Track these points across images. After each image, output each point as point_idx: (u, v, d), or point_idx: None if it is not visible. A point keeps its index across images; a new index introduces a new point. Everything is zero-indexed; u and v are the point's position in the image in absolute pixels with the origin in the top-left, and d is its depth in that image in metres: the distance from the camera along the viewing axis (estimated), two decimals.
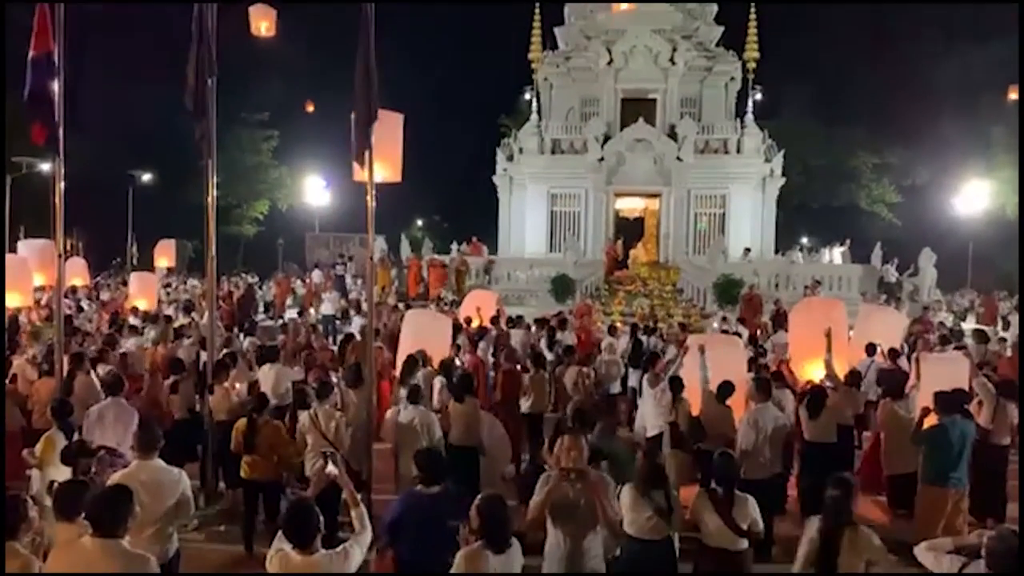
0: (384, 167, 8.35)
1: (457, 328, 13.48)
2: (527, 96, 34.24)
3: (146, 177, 42.73)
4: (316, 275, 26.40)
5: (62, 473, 5.72)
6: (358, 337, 12.83)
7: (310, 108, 40.62)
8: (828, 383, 9.08)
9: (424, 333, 11.40)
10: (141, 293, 14.21)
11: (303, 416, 7.54)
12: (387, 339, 13.26)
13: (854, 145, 45.02)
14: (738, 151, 29.10)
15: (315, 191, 46.86)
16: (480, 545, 4.37)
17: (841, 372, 9.31)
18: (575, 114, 30.95)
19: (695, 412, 8.56)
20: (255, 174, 48.07)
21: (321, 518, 4.15)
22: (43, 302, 16.62)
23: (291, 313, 22.72)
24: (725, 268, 24.08)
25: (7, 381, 9.43)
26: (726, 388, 8.52)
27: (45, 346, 10.62)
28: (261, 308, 24.04)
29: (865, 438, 10.77)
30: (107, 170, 39.12)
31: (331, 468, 4.81)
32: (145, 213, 40.98)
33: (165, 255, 17.47)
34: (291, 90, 45.77)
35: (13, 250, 20.07)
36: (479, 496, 4.61)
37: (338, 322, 20.66)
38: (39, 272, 14.83)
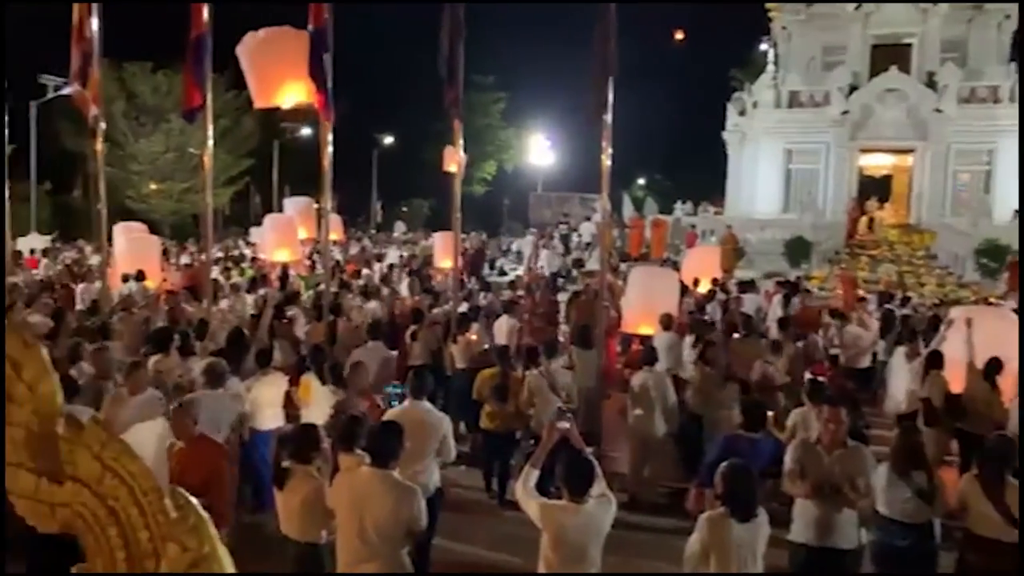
0: None
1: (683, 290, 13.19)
2: (763, 47, 32.36)
3: (388, 140, 45.88)
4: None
5: (317, 413, 6.33)
6: None
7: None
8: None
9: (651, 290, 11.23)
10: (445, 252, 14.80)
11: (531, 375, 7.76)
12: (612, 298, 13.31)
13: None
14: (1011, 100, 25.57)
15: (539, 151, 47.82)
16: (724, 511, 4.31)
17: None
18: (816, 64, 28.80)
19: (956, 389, 7.79)
20: (484, 135, 49.94)
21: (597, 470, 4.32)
22: (305, 253, 18.43)
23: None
24: (990, 232, 21.46)
25: (283, 320, 10.66)
26: (994, 366, 7.65)
27: (314, 295, 11.85)
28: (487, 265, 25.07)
29: None
30: (355, 133, 42.61)
31: (563, 423, 4.93)
32: (387, 173, 44.23)
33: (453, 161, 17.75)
34: (519, 51, 46.76)
35: (280, 208, 22.53)
36: (724, 462, 4.53)
37: (561, 280, 21.08)
38: (302, 227, 16.35)
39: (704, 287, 13.75)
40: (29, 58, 17.73)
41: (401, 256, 22.14)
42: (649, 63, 38.87)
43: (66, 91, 21.75)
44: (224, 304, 11.50)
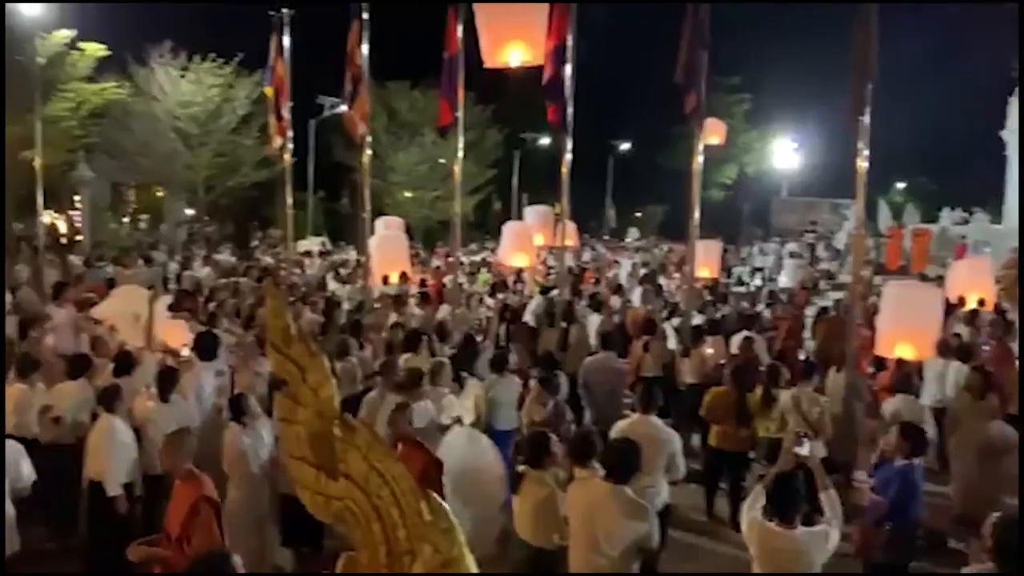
0: None
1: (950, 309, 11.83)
2: None
3: (624, 146, 46.03)
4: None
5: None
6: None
7: None
8: None
9: (908, 308, 10.16)
10: (705, 262, 13.49)
11: (785, 395, 7.38)
12: (865, 315, 12.28)
13: None
14: None
15: (784, 154, 45.46)
16: (994, 570, 3.83)
17: None
18: None
19: None
20: (725, 138, 48.35)
21: (803, 496, 4.12)
22: (540, 259, 18.98)
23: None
24: None
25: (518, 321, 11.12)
26: None
27: (545, 301, 12.20)
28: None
29: None
30: (590, 139, 43.29)
31: (801, 449, 4.69)
32: (622, 179, 44.45)
33: None
34: (765, 50, 44.75)
35: (519, 216, 23.42)
36: (995, 513, 4.01)
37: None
38: (539, 234, 16.78)
39: (971, 305, 12.26)
40: (310, 80, 20.13)
41: (633, 264, 22.13)
42: (914, 56, 35.46)
43: (338, 110, 24.37)
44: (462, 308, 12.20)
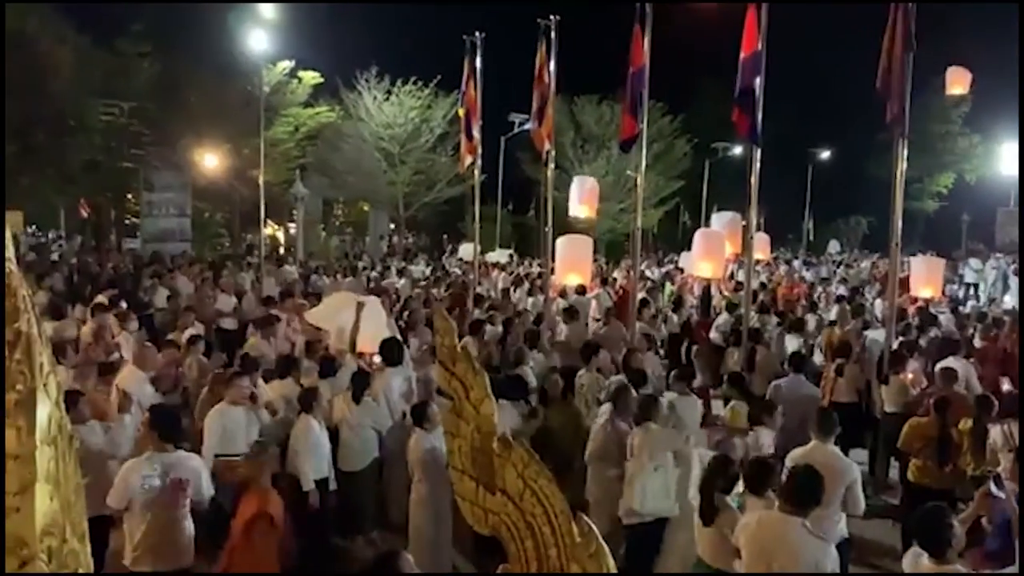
0: None
1: None
2: None
3: (825, 154, 43.55)
4: None
5: None
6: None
7: None
8: None
9: None
10: (926, 281, 12.25)
11: (995, 430, 6.65)
12: None
13: None
14: None
15: (1011, 160, 40.84)
16: None
17: None
18: None
19: None
20: (941, 144, 44.34)
21: (955, 530, 3.83)
22: (728, 272, 18.29)
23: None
24: None
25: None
26: None
27: (733, 317, 11.78)
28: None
29: None
30: (788, 149, 41.24)
31: (997, 491, 4.26)
32: (822, 189, 42.01)
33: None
34: (988, 47, 40.53)
35: (707, 223, 22.76)
36: None
37: None
38: (728, 242, 15.88)
39: None
40: (502, 98, 20.95)
41: (824, 279, 20.88)
42: None
43: (527, 127, 25.05)
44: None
